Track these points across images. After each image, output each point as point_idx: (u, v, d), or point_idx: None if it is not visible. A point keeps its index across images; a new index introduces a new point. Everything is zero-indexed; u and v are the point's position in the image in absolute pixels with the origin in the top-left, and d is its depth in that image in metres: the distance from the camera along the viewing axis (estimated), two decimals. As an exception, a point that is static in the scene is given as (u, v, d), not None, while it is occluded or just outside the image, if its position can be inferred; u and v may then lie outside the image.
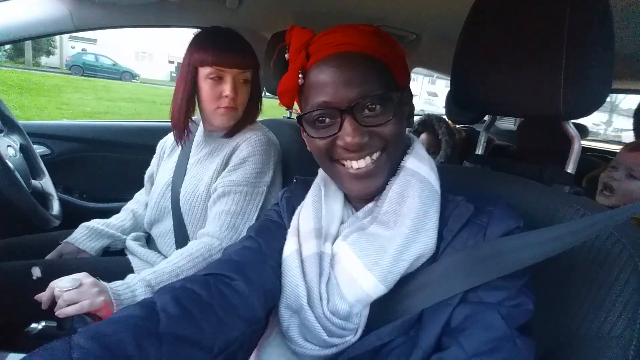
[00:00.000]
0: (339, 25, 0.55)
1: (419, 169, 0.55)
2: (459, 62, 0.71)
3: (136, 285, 0.83)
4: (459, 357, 0.44)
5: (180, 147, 1.18)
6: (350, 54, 0.53)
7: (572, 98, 0.57)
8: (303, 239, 0.57)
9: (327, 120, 0.54)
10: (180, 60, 1.08)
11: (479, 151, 0.81)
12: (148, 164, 1.30)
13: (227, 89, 1.01)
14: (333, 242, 0.57)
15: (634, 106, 1.62)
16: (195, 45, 1.02)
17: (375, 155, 0.54)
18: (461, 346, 0.45)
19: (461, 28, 0.71)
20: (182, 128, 1.08)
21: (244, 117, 1.09)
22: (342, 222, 0.60)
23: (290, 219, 0.63)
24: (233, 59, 1.00)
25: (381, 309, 0.52)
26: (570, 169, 0.66)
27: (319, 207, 0.60)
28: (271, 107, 1.28)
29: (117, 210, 1.31)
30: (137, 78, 18.44)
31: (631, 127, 1.59)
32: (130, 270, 1.06)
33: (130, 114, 8.33)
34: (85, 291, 0.75)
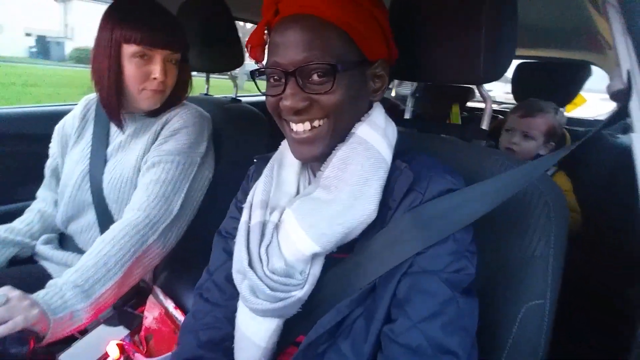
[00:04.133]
0: None
1: (367, 136, 0.56)
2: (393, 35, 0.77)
3: (63, 290, 0.76)
4: (406, 326, 0.49)
5: (89, 133, 1.06)
6: (310, 17, 0.53)
7: (488, 64, 0.68)
8: (253, 210, 0.61)
9: (277, 80, 0.55)
10: (41, 33, 0.94)
11: (407, 115, 0.89)
12: (41, 156, 1.13)
13: (156, 70, 0.92)
14: (282, 212, 0.59)
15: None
16: (119, 18, 0.90)
17: (316, 122, 0.55)
18: (407, 315, 0.49)
19: None
20: (117, 112, 0.98)
21: (171, 98, 1.01)
22: (297, 192, 0.62)
23: None
24: (165, 38, 0.92)
25: (337, 277, 0.56)
26: (484, 125, 0.77)
27: (269, 180, 0.63)
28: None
29: (16, 213, 1.13)
30: (-17, 55, 15.21)
31: (491, 88, 1.88)
32: (45, 279, 0.94)
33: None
34: (15, 306, 0.66)
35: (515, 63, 1.83)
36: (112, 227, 0.87)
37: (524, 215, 0.61)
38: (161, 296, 0.88)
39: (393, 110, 0.92)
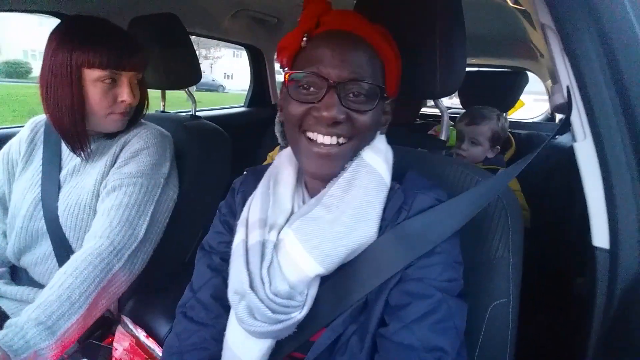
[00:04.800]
0: (356, 12, 0.60)
1: (371, 161, 0.58)
2: None
3: (25, 328, 0.70)
4: (398, 327, 0.51)
5: (38, 157, 0.99)
6: (357, 37, 0.56)
7: (445, 80, 0.73)
8: (250, 229, 0.60)
9: (312, 89, 0.55)
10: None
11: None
12: None
13: (124, 93, 0.89)
14: (280, 230, 0.59)
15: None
16: (77, 41, 0.84)
17: (342, 139, 0.56)
18: (400, 318, 0.51)
19: None
20: (83, 140, 0.91)
21: (135, 116, 0.99)
22: (292, 212, 0.62)
23: (241, 211, 0.65)
24: (130, 60, 0.89)
25: (327, 295, 0.57)
26: (443, 136, 0.83)
27: (266, 198, 0.62)
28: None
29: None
30: None
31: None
32: (2, 315, 0.87)
33: None
34: None
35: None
36: (73, 257, 0.82)
37: (486, 220, 0.66)
38: (130, 325, 0.85)
39: None
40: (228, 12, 1.67)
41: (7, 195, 1.03)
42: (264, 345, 0.55)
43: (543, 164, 1.53)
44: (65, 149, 0.99)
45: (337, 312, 0.55)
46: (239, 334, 0.57)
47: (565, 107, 0.59)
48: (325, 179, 0.59)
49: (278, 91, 2.49)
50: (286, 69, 0.59)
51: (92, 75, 0.86)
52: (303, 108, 0.56)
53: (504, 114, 1.62)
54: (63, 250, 0.93)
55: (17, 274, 1.01)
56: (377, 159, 0.58)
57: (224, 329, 0.60)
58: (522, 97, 2.01)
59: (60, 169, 0.98)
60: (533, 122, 2.44)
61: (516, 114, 2.35)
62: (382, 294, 0.55)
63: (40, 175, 0.97)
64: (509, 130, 1.75)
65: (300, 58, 0.58)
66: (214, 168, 1.19)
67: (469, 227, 0.66)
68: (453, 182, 0.67)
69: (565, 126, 0.59)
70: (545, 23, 0.57)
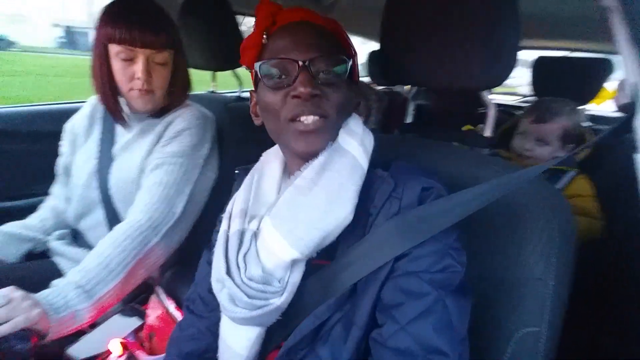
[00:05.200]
0: (304, 7, 0.63)
1: (345, 143, 0.58)
2: (386, 36, 0.74)
3: (66, 290, 0.78)
4: (393, 329, 0.49)
5: (97, 131, 1.08)
6: (313, 24, 0.60)
7: (488, 71, 0.65)
8: (232, 220, 0.62)
9: (283, 76, 0.57)
10: (69, 24, 0.95)
11: (408, 119, 0.87)
12: (52, 153, 1.16)
13: (138, 70, 0.91)
14: (261, 220, 0.60)
15: (528, 57, 1.81)
16: (104, 17, 0.90)
17: (323, 115, 0.57)
18: (394, 319, 0.49)
19: None
20: (115, 108, 0.99)
21: (171, 100, 1.01)
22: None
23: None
24: (145, 37, 0.90)
25: (317, 285, 0.56)
26: (487, 133, 0.75)
27: (248, 189, 0.65)
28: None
29: (32, 207, 1.17)
30: (15, 46, 15.71)
31: (515, 75, 1.79)
32: (56, 274, 0.97)
33: (21, 90, 7.13)
34: (16, 307, 0.68)
35: (536, 54, 1.75)
36: (115, 228, 0.89)
37: (523, 232, 0.58)
38: (163, 296, 0.90)
39: (404, 105, 0.90)
40: (283, -9, 1.65)
41: (70, 165, 1.14)
42: (252, 334, 0.56)
43: (627, 170, 1.32)
44: (119, 126, 1.05)
45: (324, 300, 0.54)
46: (228, 323, 0.58)
47: (630, 109, 0.49)
48: (314, 157, 0.59)
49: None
50: (256, 64, 0.59)
51: (114, 51, 0.90)
52: (280, 95, 0.57)
53: (582, 106, 1.42)
54: (113, 219, 1.01)
55: (77, 237, 1.12)
56: (351, 142, 0.58)
57: (219, 321, 0.62)
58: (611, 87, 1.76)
59: (114, 144, 1.05)
60: (616, 117, 2.13)
61: (600, 107, 2.06)
62: (372, 284, 0.52)
63: (98, 148, 1.05)
64: (590, 125, 1.55)
65: (264, 54, 0.60)
66: (255, 150, 1.20)
67: (501, 238, 0.60)
68: (477, 180, 0.61)
69: (624, 128, 0.50)
70: (608, 5, 0.48)
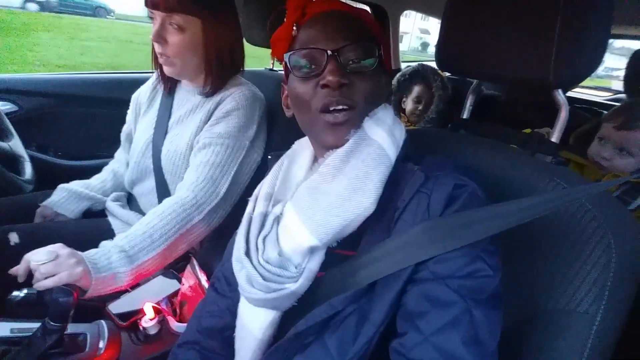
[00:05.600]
0: None
1: (371, 132, 0.56)
2: (447, 22, 0.68)
3: (110, 252, 0.83)
4: (417, 340, 0.46)
5: (158, 103, 1.12)
6: (340, 12, 0.60)
7: (563, 66, 0.55)
8: (257, 202, 0.64)
9: (313, 66, 0.57)
10: None
11: (465, 115, 0.78)
12: (124, 119, 1.24)
13: (152, 32, 0.92)
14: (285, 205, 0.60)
15: (627, 45, 1.56)
16: None
17: (350, 109, 0.56)
18: (417, 328, 0.46)
19: None
20: (163, 76, 1.05)
21: (215, 77, 1.01)
22: None
23: None
24: (157, 0, 0.89)
25: (339, 275, 0.54)
26: (555, 138, 0.64)
27: (276, 174, 0.66)
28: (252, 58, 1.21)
29: (96, 168, 1.28)
30: (112, 14, 17.13)
31: (622, 66, 1.54)
32: (109, 233, 1.05)
33: (106, 55, 7.84)
34: (62, 263, 0.74)
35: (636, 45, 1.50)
36: (164, 201, 0.94)
37: (573, 256, 0.50)
38: (197, 267, 0.93)
39: None
40: (353, -32, 1.58)
41: (132, 132, 1.21)
42: (267, 317, 0.56)
43: None
44: (177, 99, 1.09)
45: (342, 292, 0.52)
46: (246, 303, 0.60)
47: None
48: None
49: (400, 57, 2.30)
50: (286, 55, 0.59)
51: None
52: (310, 85, 0.57)
53: None
54: (162, 189, 1.06)
55: (131, 200, 1.19)
56: (378, 131, 0.56)
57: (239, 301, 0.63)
58: None
59: (169, 117, 1.09)
60: None
61: None
62: (393, 283, 0.49)
63: (155, 119, 1.10)
64: None
65: (294, 45, 0.60)
66: (302, 134, 1.18)
67: (546, 263, 0.52)
68: (534, 192, 0.53)
69: None
70: None
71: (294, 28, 0.60)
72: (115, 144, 1.29)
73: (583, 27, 0.53)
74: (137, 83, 1.23)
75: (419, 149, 0.60)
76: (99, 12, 16.21)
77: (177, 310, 0.93)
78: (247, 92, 1.01)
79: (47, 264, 0.72)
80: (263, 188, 0.65)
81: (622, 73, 1.55)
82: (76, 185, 1.16)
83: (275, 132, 1.10)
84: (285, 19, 0.62)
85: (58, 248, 0.76)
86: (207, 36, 0.96)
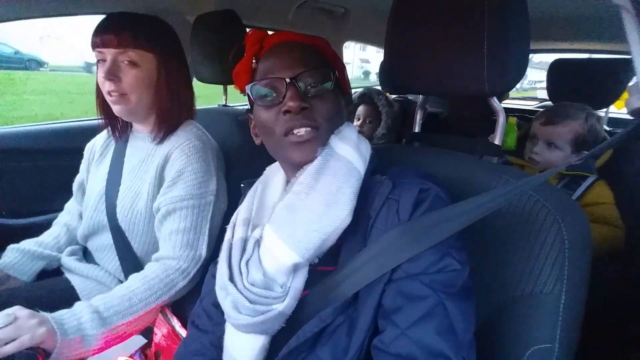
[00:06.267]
0: (288, 31, 0.67)
1: (339, 149, 0.59)
2: (391, 46, 0.74)
3: (82, 312, 0.78)
4: (394, 335, 0.48)
5: (111, 152, 1.08)
6: (295, 42, 0.64)
7: (494, 77, 0.62)
8: (235, 229, 0.65)
9: (275, 94, 0.60)
10: None
11: (416, 129, 0.84)
12: (73, 170, 1.18)
13: (102, 71, 0.89)
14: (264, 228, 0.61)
15: (545, 59, 1.76)
16: None
17: (313, 128, 0.59)
18: (395, 324, 0.49)
19: (389, 1, 0.72)
20: (109, 121, 1.03)
21: (162, 114, 0.97)
22: None
23: None
24: (108, 36, 0.87)
25: (322, 292, 0.55)
26: (497, 140, 0.71)
27: (251, 200, 0.67)
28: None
29: (46, 224, 1.19)
30: (46, 66, 16.46)
31: (542, 79, 1.72)
32: (69, 290, 0.98)
33: (43, 108, 7.45)
34: (22, 325, 0.69)
35: (551, 58, 1.69)
36: (147, 266, 0.91)
37: (531, 244, 0.55)
38: (169, 314, 0.89)
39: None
40: (293, 5, 1.66)
41: (85, 182, 1.15)
42: (257, 344, 0.56)
43: None
44: (129, 148, 1.05)
45: (327, 307, 0.53)
46: (232, 333, 0.59)
47: None
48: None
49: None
50: (247, 87, 0.62)
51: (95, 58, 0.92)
52: (273, 112, 0.60)
53: (600, 110, 1.36)
54: (122, 244, 1.00)
55: (86, 254, 1.12)
56: (345, 147, 0.59)
57: (223, 335, 0.62)
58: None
59: (122, 165, 1.04)
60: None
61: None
62: (375, 288, 0.52)
63: (107, 171, 1.05)
64: (609, 130, 1.48)
65: (255, 77, 0.63)
66: (265, 164, 1.19)
67: (508, 252, 0.57)
68: (486, 190, 0.58)
69: (636, 131, 0.46)
70: (619, 3, 0.44)
71: (254, 61, 0.64)
72: (64, 196, 1.22)
73: (506, 42, 0.61)
74: (84, 130, 1.19)
75: (381, 163, 0.64)
76: (31, 65, 15.52)
77: (152, 362, 0.88)
78: (197, 143, 0.96)
79: (6, 328, 0.66)
80: (240, 214, 0.66)
81: (544, 84, 1.72)
82: (28, 244, 1.08)
83: (234, 167, 1.10)
84: (245, 54, 0.65)
85: (16, 310, 0.70)
86: (160, 73, 0.94)
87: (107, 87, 0.90)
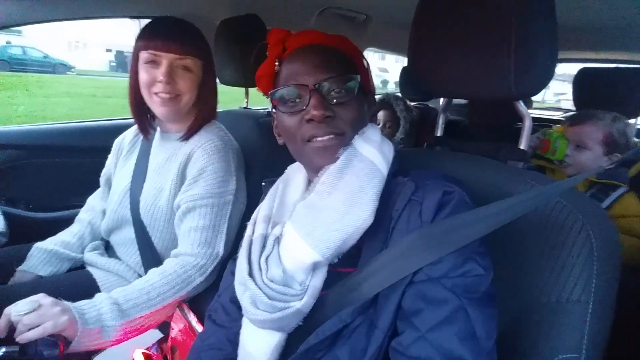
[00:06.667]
0: (311, 30, 0.65)
1: (363, 149, 0.59)
2: (414, 49, 0.73)
3: (102, 304, 0.80)
4: (413, 337, 0.47)
5: (138, 148, 1.11)
6: (319, 45, 0.62)
7: (521, 80, 0.61)
8: (256, 225, 0.65)
9: (298, 100, 0.59)
10: (119, 49, 1.02)
11: (438, 132, 0.83)
12: (97, 167, 1.21)
13: (160, 73, 0.93)
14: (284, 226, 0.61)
15: (568, 71, 1.73)
16: (140, 33, 0.96)
17: (337, 135, 0.59)
18: (415, 327, 0.48)
19: (411, 9, 0.72)
20: (140, 120, 1.04)
21: (198, 115, 1.02)
22: None
23: None
24: (169, 42, 0.93)
25: (341, 292, 0.55)
26: (523, 145, 0.70)
27: (272, 198, 0.67)
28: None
29: (69, 219, 1.22)
30: (73, 70, 17.02)
31: (566, 91, 1.70)
32: (92, 283, 1.00)
33: (70, 110, 7.71)
34: (46, 312, 0.70)
35: (575, 69, 1.66)
36: (165, 262, 0.93)
37: (558, 251, 0.53)
38: (185, 310, 0.90)
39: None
40: (315, 10, 1.68)
41: (112, 177, 1.18)
42: (272, 340, 0.56)
43: None
44: (154, 146, 1.08)
45: (345, 307, 0.53)
46: (249, 328, 0.59)
47: None
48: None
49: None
50: (270, 92, 0.62)
51: (142, 58, 0.94)
52: (296, 119, 0.60)
53: (631, 119, 1.33)
54: (143, 239, 1.02)
55: (109, 248, 1.15)
56: (368, 148, 0.59)
57: (239, 331, 0.62)
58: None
59: (148, 163, 1.07)
60: None
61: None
62: (396, 290, 0.51)
63: (134, 167, 1.08)
64: (639, 140, 1.43)
65: (278, 80, 0.63)
66: (285, 165, 1.20)
67: (534, 258, 0.55)
68: (510, 195, 0.57)
69: None
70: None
71: (276, 63, 0.63)
72: (88, 192, 1.25)
73: (534, 43, 0.60)
74: (108, 129, 1.23)
75: (404, 165, 0.63)
76: (59, 68, 16.10)
77: (168, 357, 0.89)
78: (218, 143, 0.99)
79: (30, 314, 0.68)
80: (261, 211, 0.66)
81: (567, 96, 1.69)
82: (54, 244, 1.09)
83: (254, 167, 1.11)
84: (267, 54, 0.65)
85: (40, 297, 0.72)
86: (205, 77, 1.00)
87: (159, 88, 0.94)
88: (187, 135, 1.01)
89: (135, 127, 1.14)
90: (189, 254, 0.92)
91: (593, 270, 0.51)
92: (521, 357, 0.53)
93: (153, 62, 0.93)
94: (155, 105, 0.97)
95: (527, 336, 0.53)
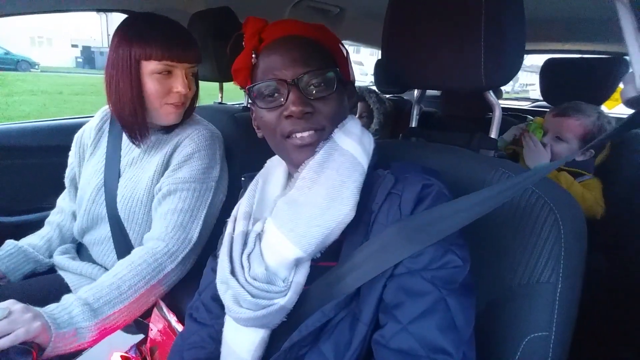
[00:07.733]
0: (289, 19, 0.63)
1: (343, 143, 0.58)
2: (388, 42, 0.74)
3: (72, 306, 0.77)
4: (395, 329, 0.48)
5: (104, 145, 1.08)
6: (296, 37, 0.60)
7: (491, 71, 0.62)
8: (236, 222, 0.64)
9: (276, 94, 0.58)
10: (85, 44, 0.96)
11: (413, 124, 0.85)
12: (65, 167, 1.17)
13: (179, 84, 0.91)
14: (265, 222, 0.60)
15: (536, 62, 1.79)
16: (136, 35, 0.89)
17: (316, 131, 0.58)
18: (396, 319, 0.49)
19: (385, 2, 0.73)
20: (142, 131, 0.96)
21: (188, 110, 1.01)
22: None
23: None
24: (185, 52, 0.91)
25: (323, 287, 0.55)
26: (493, 134, 0.72)
27: (252, 194, 0.66)
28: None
29: (36, 222, 1.18)
30: (37, 67, 16.30)
31: (534, 82, 1.77)
32: (63, 288, 0.97)
33: (34, 108, 7.38)
34: (17, 319, 0.68)
35: (542, 61, 1.71)
36: (133, 251, 0.90)
37: (528, 235, 0.56)
38: (165, 309, 0.89)
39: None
40: (289, 3, 1.67)
41: (77, 177, 1.14)
42: (256, 337, 0.56)
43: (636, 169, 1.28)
44: (125, 140, 1.05)
45: (328, 302, 0.53)
46: (232, 326, 0.59)
47: (638, 102, 0.46)
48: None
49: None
50: (248, 87, 0.61)
51: (149, 68, 0.89)
52: (275, 114, 0.58)
53: (604, 109, 1.39)
54: (120, 235, 1.00)
55: (80, 251, 1.12)
56: (349, 141, 0.59)
57: (222, 329, 0.61)
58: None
59: (119, 159, 1.04)
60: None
61: (617, 109, 2.01)
62: (377, 283, 0.52)
63: (104, 162, 1.05)
64: None
65: (255, 74, 0.61)
66: (260, 158, 1.19)
67: (506, 244, 0.57)
68: (484, 183, 0.59)
69: (633, 123, 0.47)
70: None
71: (253, 56, 0.61)
72: (56, 193, 1.20)
73: (503, 36, 0.62)
74: (76, 128, 1.17)
75: (382, 157, 0.64)
76: (21, 65, 15.39)
77: (148, 358, 0.87)
78: (205, 132, 1.00)
79: (1, 321, 0.65)
80: (241, 208, 0.65)
81: (535, 87, 1.75)
82: (23, 242, 1.06)
83: (232, 164, 1.10)
84: (243, 45, 0.63)
85: (10, 304, 0.69)
86: (196, 77, 1.01)
87: (175, 98, 0.93)
88: (172, 127, 1.00)
89: (95, 123, 1.10)
90: (160, 239, 0.89)
91: (561, 252, 0.53)
92: (497, 338, 0.55)
93: (167, 72, 0.91)
94: (165, 113, 0.95)
95: (502, 318, 0.56)
